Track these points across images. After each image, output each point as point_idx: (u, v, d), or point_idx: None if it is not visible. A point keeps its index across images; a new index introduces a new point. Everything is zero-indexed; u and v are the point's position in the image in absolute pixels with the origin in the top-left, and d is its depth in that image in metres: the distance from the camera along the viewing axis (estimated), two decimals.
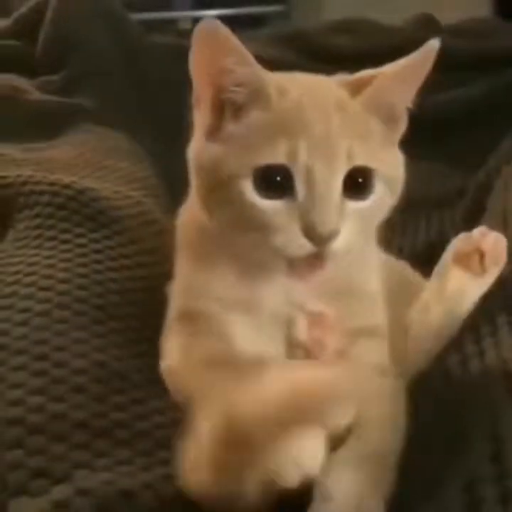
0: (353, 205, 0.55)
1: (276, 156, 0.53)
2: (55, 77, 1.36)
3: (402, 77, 0.57)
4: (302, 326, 0.59)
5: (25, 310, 0.67)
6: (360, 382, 0.49)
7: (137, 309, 0.73)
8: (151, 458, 0.55)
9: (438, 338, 0.64)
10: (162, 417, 0.59)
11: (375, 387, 0.57)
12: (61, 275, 0.72)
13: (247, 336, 0.59)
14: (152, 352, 0.64)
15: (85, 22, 1.42)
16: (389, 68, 0.57)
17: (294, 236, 0.54)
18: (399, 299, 0.66)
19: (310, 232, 0.53)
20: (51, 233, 0.80)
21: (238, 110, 0.56)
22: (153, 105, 1.36)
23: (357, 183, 0.55)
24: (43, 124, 1.18)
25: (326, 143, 0.53)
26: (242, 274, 0.60)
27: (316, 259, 0.55)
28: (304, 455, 0.46)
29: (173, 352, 0.61)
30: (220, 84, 0.55)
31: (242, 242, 0.57)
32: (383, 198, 0.57)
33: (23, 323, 0.65)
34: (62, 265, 0.74)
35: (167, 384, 0.61)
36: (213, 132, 0.57)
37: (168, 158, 0.93)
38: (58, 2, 1.41)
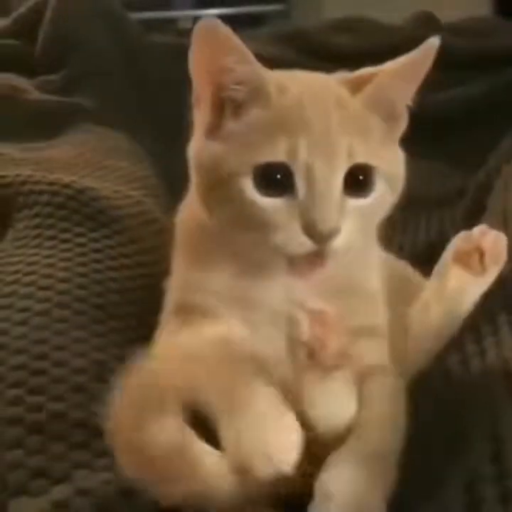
0: (354, 203, 0.55)
1: (276, 153, 0.53)
2: (54, 77, 1.36)
3: (403, 75, 0.56)
4: (304, 324, 0.59)
5: (24, 309, 0.67)
6: None
7: (137, 308, 0.73)
8: None
9: (438, 337, 0.64)
10: None
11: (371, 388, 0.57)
12: (61, 274, 0.72)
13: (241, 331, 0.59)
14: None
15: (85, 22, 1.42)
16: (389, 66, 0.57)
17: (294, 234, 0.53)
18: (399, 298, 0.66)
19: (310, 230, 0.53)
20: (51, 232, 0.79)
21: (238, 108, 0.55)
22: (153, 105, 1.36)
23: (357, 181, 0.55)
24: (43, 124, 1.18)
25: (326, 140, 0.53)
26: (242, 272, 0.60)
27: (316, 257, 0.54)
28: (275, 449, 0.47)
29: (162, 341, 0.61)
30: (220, 83, 0.55)
31: (242, 240, 0.57)
32: (384, 195, 0.57)
33: (23, 323, 0.65)
34: (61, 264, 0.74)
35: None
36: (213, 130, 0.57)
37: (168, 158, 0.93)
38: (57, 2, 1.41)
